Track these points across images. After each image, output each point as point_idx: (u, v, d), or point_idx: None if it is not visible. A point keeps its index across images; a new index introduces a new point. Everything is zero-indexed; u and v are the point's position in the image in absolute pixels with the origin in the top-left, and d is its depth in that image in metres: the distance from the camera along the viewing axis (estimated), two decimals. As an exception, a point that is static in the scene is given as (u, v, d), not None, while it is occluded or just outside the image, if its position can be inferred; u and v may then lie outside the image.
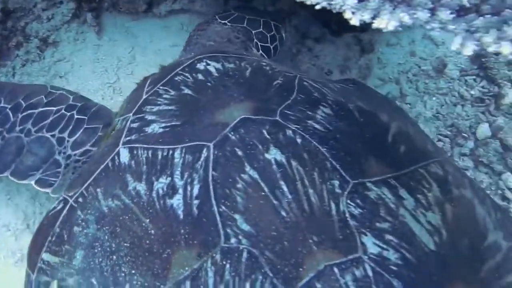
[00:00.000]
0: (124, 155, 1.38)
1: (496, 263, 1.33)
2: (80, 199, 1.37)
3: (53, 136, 1.79)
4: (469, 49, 0.91)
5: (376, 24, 0.94)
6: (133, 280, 1.19)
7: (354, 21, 0.97)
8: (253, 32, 2.09)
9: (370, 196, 1.27)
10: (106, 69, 2.43)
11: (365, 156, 1.38)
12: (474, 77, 2.27)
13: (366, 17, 0.97)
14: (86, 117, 1.80)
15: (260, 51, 2.09)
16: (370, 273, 1.15)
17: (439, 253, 1.25)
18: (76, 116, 1.81)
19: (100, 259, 1.26)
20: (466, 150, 2.13)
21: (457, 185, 1.44)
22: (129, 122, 1.49)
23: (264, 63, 1.64)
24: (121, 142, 1.42)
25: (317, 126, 1.40)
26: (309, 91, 1.53)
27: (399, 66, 2.36)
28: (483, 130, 2.13)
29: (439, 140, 2.16)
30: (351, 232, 1.19)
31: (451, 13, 0.88)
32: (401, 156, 1.44)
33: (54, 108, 1.83)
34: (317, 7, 1.04)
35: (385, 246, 1.19)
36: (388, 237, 1.21)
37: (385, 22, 0.94)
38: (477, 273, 1.28)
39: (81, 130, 1.78)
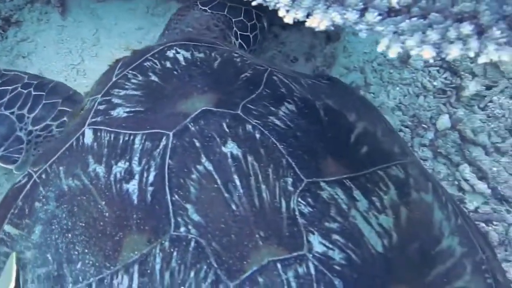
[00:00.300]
0: (88, 136, 1.40)
1: (446, 268, 1.35)
2: (43, 176, 1.39)
3: (12, 113, 1.79)
4: (394, 51, 0.92)
5: (308, 23, 0.95)
6: (85, 259, 1.22)
7: (288, 19, 0.97)
8: (233, 20, 2.06)
9: (323, 195, 1.29)
10: (70, 50, 2.39)
11: (323, 155, 1.39)
12: (437, 68, 2.28)
13: (300, 15, 0.97)
14: (44, 93, 1.80)
15: (239, 40, 2.07)
16: (312, 271, 1.17)
17: (386, 256, 1.27)
18: (33, 93, 1.80)
19: (57, 236, 1.28)
20: (426, 141, 2.16)
21: (417, 189, 1.46)
22: (96, 103, 1.50)
23: (235, 55, 1.63)
24: (87, 123, 1.43)
25: (278, 122, 1.41)
26: (276, 86, 1.53)
27: (365, 55, 2.37)
28: (443, 121, 2.16)
29: (400, 130, 2.18)
30: (298, 230, 1.21)
31: (379, 15, 0.89)
32: (361, 157, 1.46)
33: (10, 88, 1.82)
34: (254, 3, 1.04)
35: (331, 246, 1.21)
36: (335, 237, 1.23)
37: (317, 21, 0.94)
38: (424, 277, 1.30)
39: (40, 106, 1.79)
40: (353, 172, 1.38)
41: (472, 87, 2.14)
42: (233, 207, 1.22)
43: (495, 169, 2.03)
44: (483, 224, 2.00)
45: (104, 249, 1.21)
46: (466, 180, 2.05)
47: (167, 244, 1.17)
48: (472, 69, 2.19)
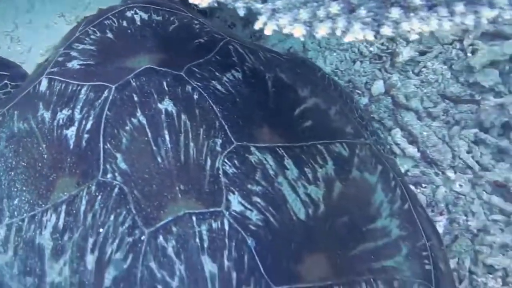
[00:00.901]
0: (43, 85, 1.50)
1: (377, 247, 1.40)
2: (0, 118, 1.51)
3: None
4: (269, 29, 0.93)
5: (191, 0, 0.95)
6: (22, 196, 1.34)
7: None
8: None
9: (251, 159, 1.34)
10: (3, 17, 2.34)
11: (259, 123, 1.44)
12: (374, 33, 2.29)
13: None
14: None
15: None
16: (226, 227, 1.22)
17: (308, 224, 1.32)
18: None
19: (1, 173, 1.40)
20: (361, 106, 2.19)
21: (361, 169, 1.51)
22: (57, 55, 1.59)
23: (195, 22, 1.68)
24: (45, 72, 1.54)
25: (219, 87, 1.46)
26: (229, 54, 1.57)
27: (303, 20, 2.37)
28: (378, 86, 2.19)
29: (336, 96, 2.21)
30: (219, 188, 1.27)
31: (257, -7, 0.89)
32: (302, 130, 1.50)
33: None
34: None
35: (249, 207, 1.26)
36: (256, 199, 1.28)
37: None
38: (347, 250, 1.34)
39: None
40: (289, 142, 1.43)
41: (406, 52, 2.17)
42: (159, 159, 1.29)
43: (425, 133, 2.08)
44: (412, 187, 2.05)
45: (39, 188, 1.32)
46: (397, 144, 2.10)
47: (93, 188, 1.27)
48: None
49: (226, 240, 1.21)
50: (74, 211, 1.27)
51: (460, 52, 2.16)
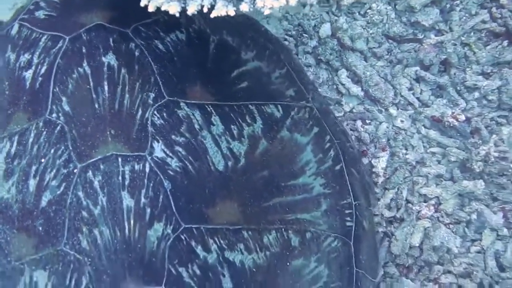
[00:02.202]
0: (14, 29, 1.70)
1: (294, 201, 1.56)
2: None
3: None
4: (152, 6, 1.07)
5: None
6: None
7: None
8: None
9: (179, 113, 1.52)
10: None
11: (193, 81, 1.61)
12: (323, -23, 2.35)
13: None
14: None
15: None
16: (147, 169, 1.41)
17: (225, 175, 1.49)
18: None
19: None
20: (309, 49, 2.28)
21: (292, 130, 1.66)
22: (30, 3, 1.76)
23: None
24: (18, 18, 1.72)
25: (160, 46, 1.64)
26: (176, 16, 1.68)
27: (254, -34, 2.42)
28: (325, 29, 2.27)
29: (285, 39, 2.29)
30: (145, 135, 1.46)
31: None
32: (236, 91, 1.66)
33: None
34: None
35: (170, 154, 1.45)
36: (178, 148, 1.46)
37: None
38: (261, 201, 1.51)
39: None
40: (220, 101, 1.60)
41: (349, -5, 2.23)
42: (96, 106, 1.49)
43: (368, 73, 2.18)
44: (360, 122, 2.17)
45: None
46: (342, 84, 2.21)
47: (41, 124, 1.50)
48: (351, -24, 2.26)
49: (145, 181, 1.40)
50: (24, 142, 1.50)
51: (402, -9, 2.23)
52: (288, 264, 1.47)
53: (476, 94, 2.09)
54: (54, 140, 1.47)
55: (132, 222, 1.34)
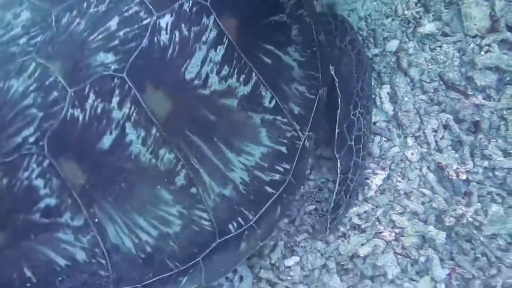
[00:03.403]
0: None
1: None
2: None
3: None
4: None
5: None
6: None
7: None
8: None
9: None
10: None
11: None
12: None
13: None
14: None
15: None
16: None
17: None
18: None
19: None
20: (370, 54, 2.44)
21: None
22: None
23: None
24: None
25: None
26: None
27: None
28: (392, 44, 2.42)
29: (355, 36, 2.46)
30: None
31: None
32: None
33: None
34: None
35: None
36: None
37: None
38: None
39: None
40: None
41: (428, 27, 2.36)
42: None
43: (406, 98, 2.33)
44: (378, 138, 2.33)
45: None
46: (380, 97, 2.36)
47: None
48: (440, 12, 2.38)
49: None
50: None
51: (477, 47, 2.32)
52: None
53: (486, 163, 2.19)
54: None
55: None
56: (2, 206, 1.57)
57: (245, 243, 1.81)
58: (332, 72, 2.04)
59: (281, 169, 1.84)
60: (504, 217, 2.14)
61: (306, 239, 2.22)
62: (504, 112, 2.25)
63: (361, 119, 2.12)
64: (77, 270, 1.59)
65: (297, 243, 2.21)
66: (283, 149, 1.84)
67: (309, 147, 1.94)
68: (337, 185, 2.11)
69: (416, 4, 2.45)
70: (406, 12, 2.44)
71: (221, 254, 1.76)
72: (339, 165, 2.10)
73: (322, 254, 2.19)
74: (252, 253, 1.98)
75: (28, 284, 1.57)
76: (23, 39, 1.64)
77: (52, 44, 1.62)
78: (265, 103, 1.79)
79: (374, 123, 2.35)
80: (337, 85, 2.06)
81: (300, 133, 1.88)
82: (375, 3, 2.50)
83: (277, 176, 1.83)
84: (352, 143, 2.11)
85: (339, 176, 2.10)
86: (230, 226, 1.76)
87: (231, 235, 1.76)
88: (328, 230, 2.14)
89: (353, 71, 2.11)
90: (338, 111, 2.08)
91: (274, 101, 1.80)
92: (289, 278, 2.14)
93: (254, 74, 1.76)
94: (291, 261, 2.17)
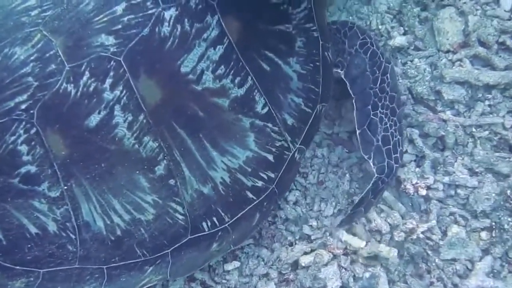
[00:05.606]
0: None
1: None
2: None
3: None
4: None
5: None
6: None
7: None
8: None
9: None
10: None
11: None
12: (392, 16, 2.43)
13: None
14: None
15: None
16: None
17: None
18: None
19: None
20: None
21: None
22: None
23: None
24: None
25: None
26: None
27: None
28: (363, 57, 2.36)
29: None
30: None
31: None
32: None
33: None
34: None
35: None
36: None
37: None
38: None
39: None
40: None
41: (398, 40, 2.29)
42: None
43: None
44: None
45: None
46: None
47: None
48: (414, 27, 2.32)
49: None
50: None
51: (448, 62, 2.23)
52: None
53: (447, 179, 2.04)
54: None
55: None
56: None
57: (217, 244, 1.77)
58: (342, 76, 2.02)
59: (265, 177, 1.80)
60: (465, 240, 1.97)
61: (250, 245, 2.11)
62: (473, 130, 2.12)
63: (386, 119, 2.00)
64: (46, 240, 1.61)
65: (241, 248, 2.10)
66: (270, 157, 1.80)
67: (298, 160, 1.89)
68: (371, 184, 1.96)
69: (391, 20, 2.40)
70: (380, 27, 2.38)
71: (191, 250, 1.73)
72: (372, 165, 1.97)
73: (265, 263, 2.06)
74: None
75: None
76: (35, 11, 1.70)
77: (59, 20, 1.66)
78: (257, 109, 1.77)
79: (337, 133, 2.27)
80: (348, 87, 2.01)
81: (291, 145, 1.84)
82: (351, 17, 2.46)
83: (259, 183, 1.79)
84: (380, 143, 1.98)
85: (375, 175, 1.97)
86: (204, 225, 1.73)
87: (204, 233, 1.73)
88: (341, 223, 2.01)
89: (367, 72, 2.03)
90: (355, 112, 2.01)
91: (267, 108, 1.78)
92: (224, 281, 2.02)
93: (250, 78, 1.75)
94: (230, 266, 2.05)
